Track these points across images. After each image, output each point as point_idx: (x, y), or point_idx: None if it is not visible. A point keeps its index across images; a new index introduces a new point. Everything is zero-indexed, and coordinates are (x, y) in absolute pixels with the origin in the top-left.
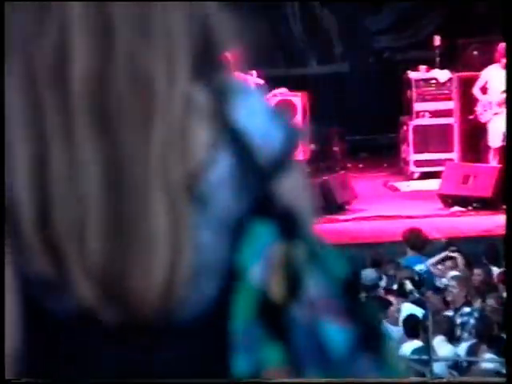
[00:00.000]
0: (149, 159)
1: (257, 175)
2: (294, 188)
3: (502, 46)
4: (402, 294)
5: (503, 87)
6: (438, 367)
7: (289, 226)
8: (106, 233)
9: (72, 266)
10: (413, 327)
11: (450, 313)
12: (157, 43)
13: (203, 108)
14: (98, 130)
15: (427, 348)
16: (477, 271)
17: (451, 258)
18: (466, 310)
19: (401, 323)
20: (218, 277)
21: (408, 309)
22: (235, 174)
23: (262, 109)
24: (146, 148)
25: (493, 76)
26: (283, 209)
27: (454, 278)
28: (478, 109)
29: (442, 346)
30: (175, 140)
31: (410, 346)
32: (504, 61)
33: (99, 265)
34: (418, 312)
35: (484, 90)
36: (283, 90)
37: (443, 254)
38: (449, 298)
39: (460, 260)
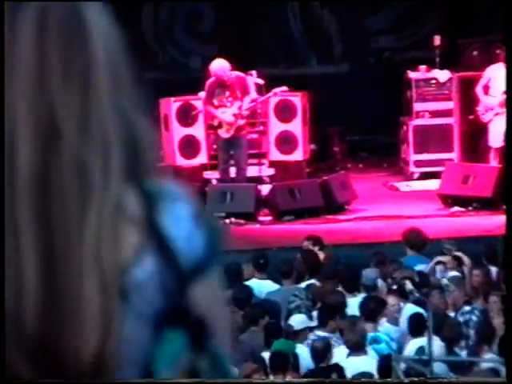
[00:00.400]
0: (83, 248)
1: (177, 278)
2: (208, 297)
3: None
4: (402, 294)
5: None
6: (438, 367)
7: (198, 336)
8: (41, 314)
9: (9, 344)
10: (418, 325)
11: (451, 313)
12: (94, 148)
13: (133, 212)
14: (38, 219)
15: (430, 345)
16: (476, 271)
17: (456, 257)
18: (467, 308)
19: (402, 323)
20: (138, 368)
21: (412, 307)
22: (159, 275)
23: (188, 215)
24: (81, 237)
25: (496, 75)
26: (195, 319)
27: (451, 279)
28: (480, 109)
29: (435, 346)
30: (107, 232)
31: (415, 344)
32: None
33: (34, 342)
34: (422, 311)
35: (486, 89)
36: (283, 88)
37: (436, 260)
38: (449, 300)
39: (466, 259)
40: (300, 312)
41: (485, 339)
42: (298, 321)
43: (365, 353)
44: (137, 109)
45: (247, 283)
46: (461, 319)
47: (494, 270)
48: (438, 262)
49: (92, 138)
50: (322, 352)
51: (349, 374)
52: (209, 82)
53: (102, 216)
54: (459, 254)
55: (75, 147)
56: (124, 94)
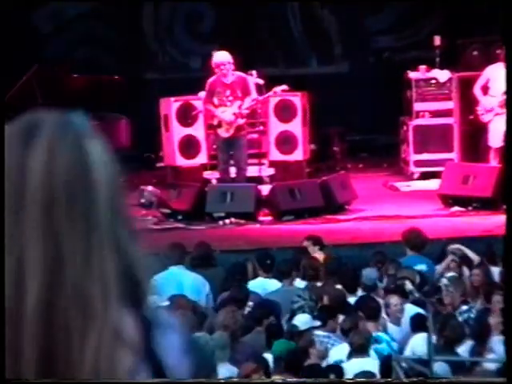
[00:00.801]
0: (83, 372)
1: None
2: None
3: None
4: (402, 294)
5: (505, 87)
6: (440, 368)
7: None
8: None
9: None
10: (421, 324)
11: (450, 313)
12: (95, 280)
13: (130, 337)
14: (40, 345)
15: (430, 345)
16: (476, 271)
17: (463, 256)
18: (465, 307)
19: (404, 323)
20: None
21: (413, 307)
22: None
23: (177, 345)
24: (81, 362)
25: (495, 75)
26: None
27: (450, 279)
28: (480, 109)
29: (422, 345)
30: (105, 357)
31: (416, 340)
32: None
33: None
34: (423, 311)
35: (485, 89)
36: (284, 86)
37: (449, 259)
38: (446, 300)
39: (472, 255)
40: (304, 312)
41: (482, 338)
42: (302, 321)
43: (368, 355)
44: (131, 240)
45: (254, 282)
46: (460, 319)
47: (494, 269)
48: (453, 260)
49: (93, 267)
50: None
51: (351, 374)
52: (210, 80)
53: (101, 341)
54: (467, 251)
55: (78, 276)
56: (120, 225)
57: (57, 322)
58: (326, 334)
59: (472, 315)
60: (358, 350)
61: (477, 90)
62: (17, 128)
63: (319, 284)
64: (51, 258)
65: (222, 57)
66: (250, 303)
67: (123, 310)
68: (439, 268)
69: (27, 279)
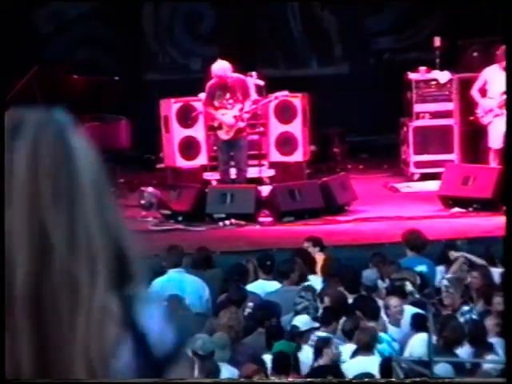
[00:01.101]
0: (74, 347)
1: (152, 365)
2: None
3: (503, 48)
4: (402, 296)
5: (503, 88)
6: (442, 369)
7: None
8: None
9: None
10: (421, 324)
11: (449, 314)
12: (82, 260)
13: (116, 312)
14: (33, 325)
15: (430, 345)
16: (475, 273)
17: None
18: (466, 308)
19: (404, 324)
20: None
21: (413, 309)
22: (136, 364)
23: (160, 315)
24: (71, 338)
25: (492, 77)
26: None
27: (450, 279)
28: (479, 111)
29: (420, 346)
30: (94, 333)
31: (417, 339)
32: (504, 62)
33: None
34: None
35: (483, 91)
36: (285, 92)
37: (458, 264)
38: (446, 301)
39: (476, 259)
40: (308, 313)
41: (480, 340)
42: (302, 321)
43: (373, 353)
44: (120, 224)
45: (253, 284)
46: (461, 320)
47: (494, 271)
48: (464, 263)
49: (80, 251)
50: (320, 349)
51: (354, 372)
52: (209, 83)
53: (89, 319)
54: (471, 257)
55: (65, 260)
56: (108, 212)
57: (45, 300)
58: (326, 335)
59: (473, 316)
60: (364, 348)
61: (474, 93)
62: (5, 125)
63: (315, 282)
64: (38, 239)
65: (220, 67)
66: (251, 304)
67: (110, 288)
68: (450, 270)
69: (17, 264)
